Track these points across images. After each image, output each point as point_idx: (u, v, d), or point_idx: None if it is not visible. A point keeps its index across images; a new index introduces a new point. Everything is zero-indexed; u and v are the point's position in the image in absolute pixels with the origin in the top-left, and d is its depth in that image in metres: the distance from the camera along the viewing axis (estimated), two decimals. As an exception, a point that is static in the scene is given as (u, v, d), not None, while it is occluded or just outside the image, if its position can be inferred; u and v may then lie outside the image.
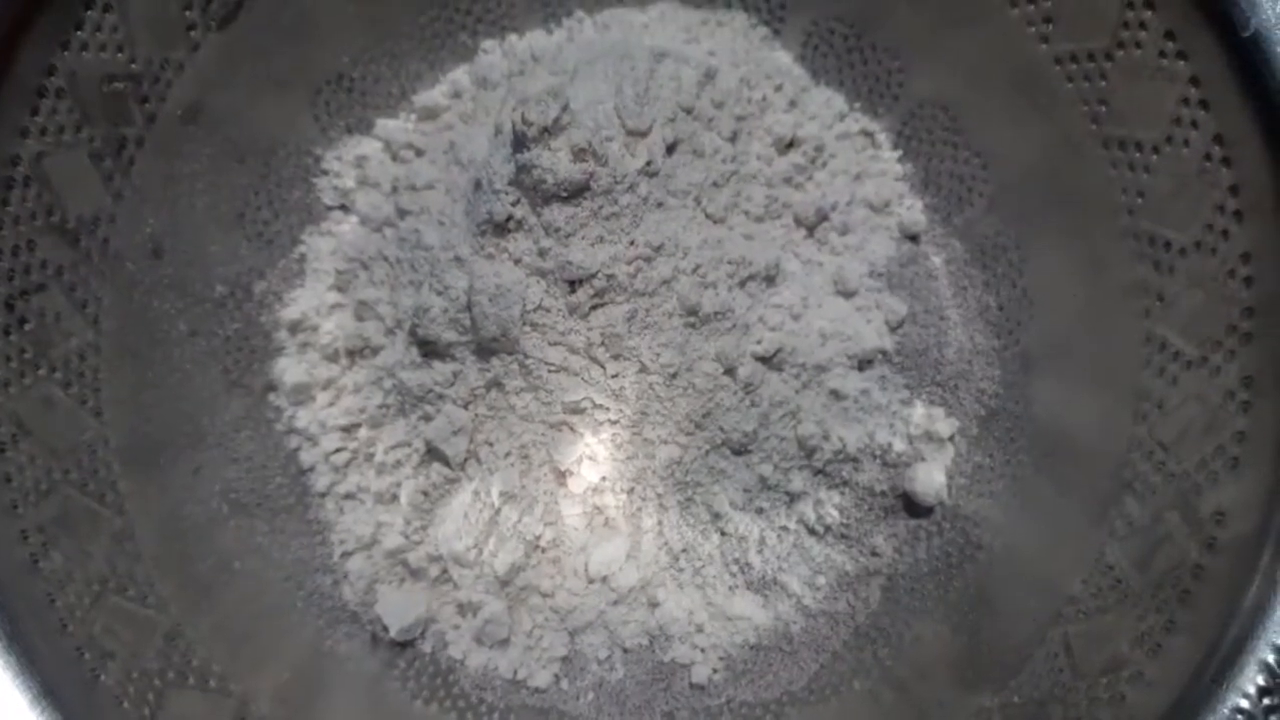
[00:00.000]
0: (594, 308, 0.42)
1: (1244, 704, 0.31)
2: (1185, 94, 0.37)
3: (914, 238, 0.47)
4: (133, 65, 0.40)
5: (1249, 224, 0.36)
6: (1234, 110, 0.36)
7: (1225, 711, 0.31)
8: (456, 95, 0.48)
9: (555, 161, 0.40)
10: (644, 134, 0.42)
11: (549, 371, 0.42)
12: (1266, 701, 0.31)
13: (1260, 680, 0.31)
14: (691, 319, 0.42)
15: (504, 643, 0.43)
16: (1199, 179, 0.37)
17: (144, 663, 0.35)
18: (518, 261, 0.41)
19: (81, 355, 0.39)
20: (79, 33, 0.38)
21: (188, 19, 0.42)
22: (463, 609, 0.43)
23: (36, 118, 0.37)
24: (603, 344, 0.42)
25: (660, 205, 0.42)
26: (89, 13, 0.38)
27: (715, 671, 0.43)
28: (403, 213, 0.45)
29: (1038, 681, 0.37)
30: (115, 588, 0.36)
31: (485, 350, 0.42)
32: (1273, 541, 0.32)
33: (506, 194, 0.41)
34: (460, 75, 0.49)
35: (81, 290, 0.39)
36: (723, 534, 0.44)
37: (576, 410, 0.43)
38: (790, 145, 0.46)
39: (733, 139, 0.44)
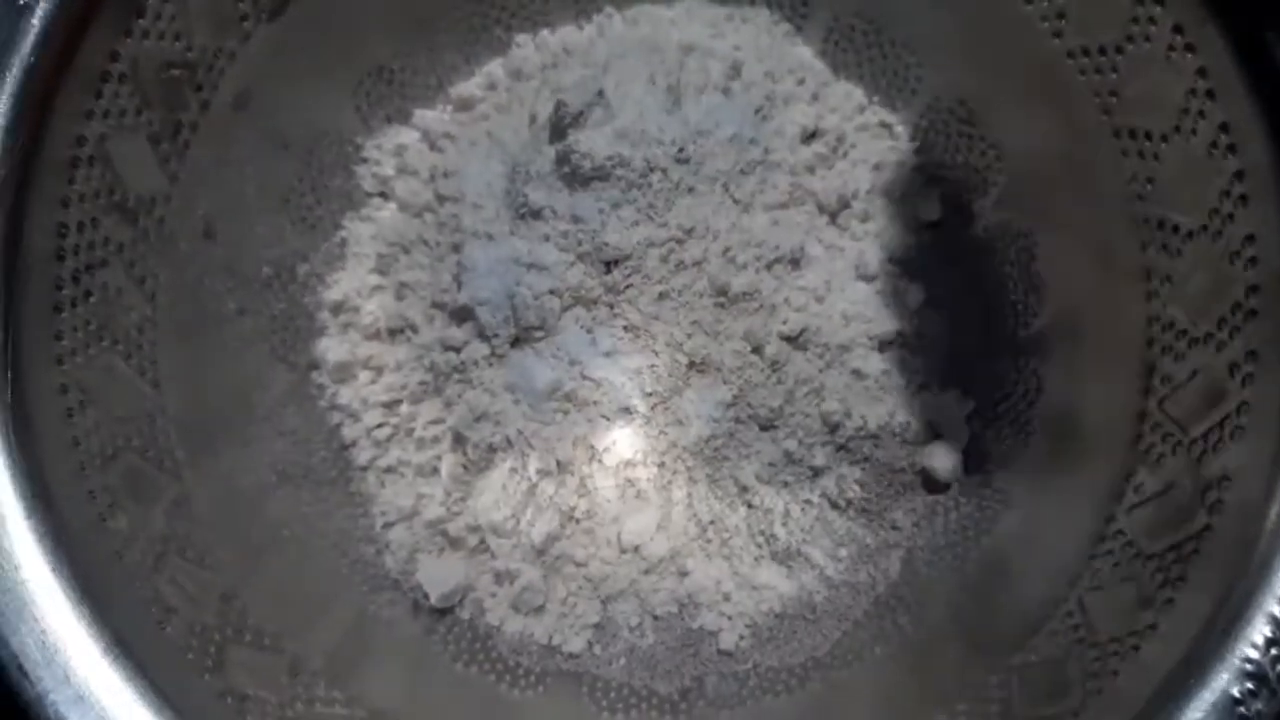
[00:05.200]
0: (627, 288, 0.44)
1: (1253, 654, 0.33)
2: (1193, 85, 0.39)
3: (932, 225, 0.49)
4: (189, 53, 0.42)
5: (1253, 206, 0.37)
6: (1239, 99, 0.38)
7: (1235, 661, 0.33)
8: (491, 87, 0.50)
9: (591, 147, 0.42)
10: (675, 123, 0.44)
11: (585, 348, 0.44)
12: (1274, 651, 0.33)
13: (1268, 631, 0.33)
14: (721, 299, 0.43)
15: (539, 610, 0.45)
16: (1205, 165, 0.39)
17: (204, 619, 0.37)
18: (554, 243, 0.43)
19: (140, 329, 0.40)
20: (140, 21, 0.40)
21: (240, 10, 0.43)
22: (500, 577, 0.45)
23: (101, 101, 0.39)
24: (637, 322, 0.44)
25: (691, 190, 0.44)
26: (150, 3, 0.40)
27: (742, 638, 0.45)
28: (441, 199, 0.47)
29: (1055, 642, 0.39)
30: (175, 549, 0.38)
31: (524, 328, 0.44)
32: (1278, 502, 0.34)
33: (543, 179, 0.43)
34: (495, 68, 0.51)
35: (140, 267, 0.41)
36: (749, 506, 0.45)
37: (611, 386, 0.44)
38: (813, 136, 0.48)
39: (758, 129, 0.46)
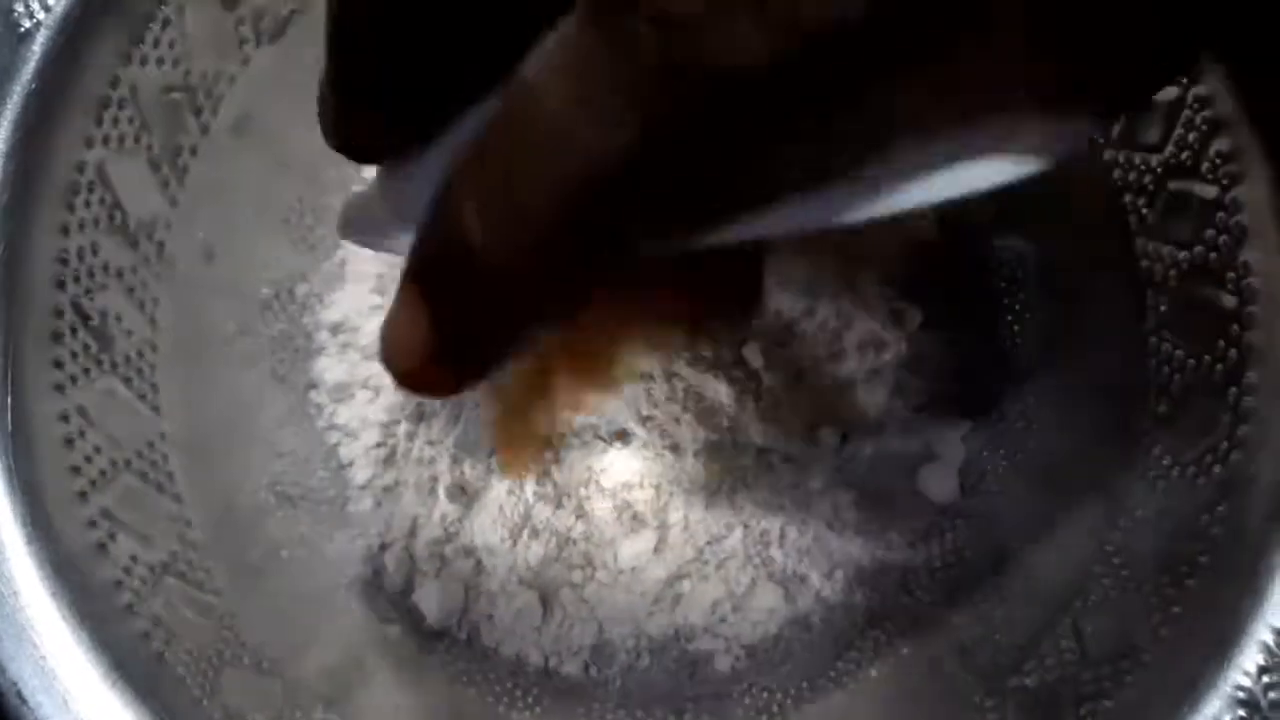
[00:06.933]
0: (625, 312, 0.44)
1: (1245, 681, 0.33)
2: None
3: (930, 246, 0.50)
4: (189, 77, 0.42)
5: (1251, 243, 0.37)
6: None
7: (1227, 688, 0.33)
8: (491, 107, 0.51)
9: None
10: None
11: (582, 371, 0.44)
12: (1266, 679, 0.33)
13: (1260, 659, 0.33)
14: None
15: (536, 631, 0.45)
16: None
17: (203, 643, 0.37)
18: (553, 266, 0.44)
19: (140, 353, 0.40)
20: (141, 47, 0.40)
21: (240, 34, 0.44)
22: (496, 599, 0.45)
23: (101, 127, 0.39)
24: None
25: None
26: (150, 28, 0.40)
27: (738, 660, 0.45)
28: (440, 220, 0.47)
29: (1049, 665, 0.39)
30: (175, 572, 0.38)
31: (521, 350, 0.44)
32: (1272, 527, 0.34)
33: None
34: (494, 89, 0.51)
35: (140, 291, 0.41)
36: (745, 528, 0.46)
37: (608, 409, 0.45)
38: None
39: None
